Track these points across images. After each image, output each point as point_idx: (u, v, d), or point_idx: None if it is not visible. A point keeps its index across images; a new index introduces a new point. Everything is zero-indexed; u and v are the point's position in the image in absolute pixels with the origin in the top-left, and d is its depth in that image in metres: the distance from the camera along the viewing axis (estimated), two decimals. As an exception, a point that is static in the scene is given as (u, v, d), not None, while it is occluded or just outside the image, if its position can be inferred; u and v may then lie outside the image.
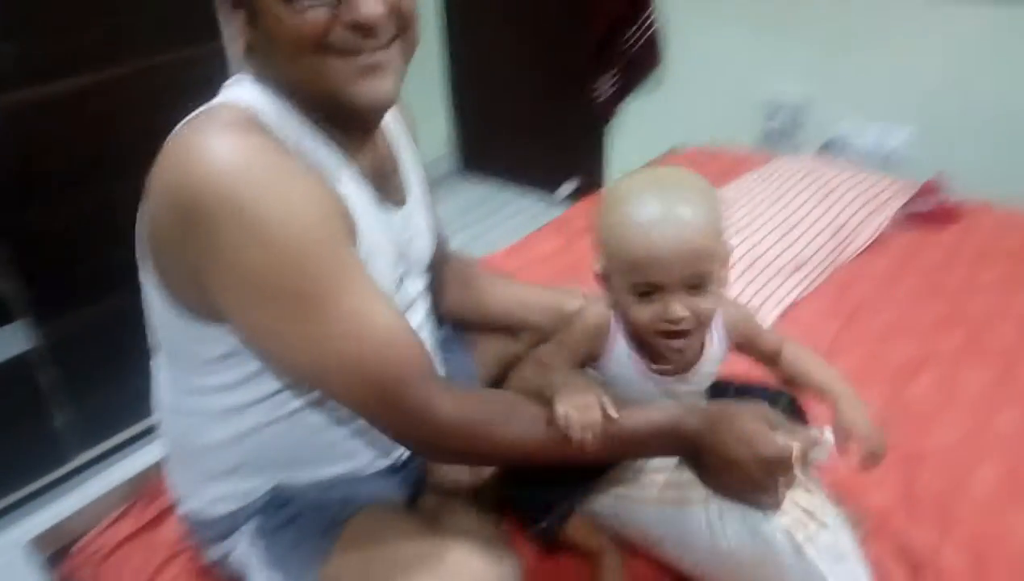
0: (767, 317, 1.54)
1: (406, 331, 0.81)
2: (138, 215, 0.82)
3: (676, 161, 2.33)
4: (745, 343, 1.00)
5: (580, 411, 0.82)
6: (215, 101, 0.83)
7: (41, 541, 1.12)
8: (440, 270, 1.19)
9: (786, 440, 0.82)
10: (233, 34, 0.81)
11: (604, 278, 0.91)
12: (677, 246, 0.82)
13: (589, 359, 0.96)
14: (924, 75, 2.17)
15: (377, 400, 0.79)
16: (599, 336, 0.94)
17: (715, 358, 0.97)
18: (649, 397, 0.95)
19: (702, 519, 0.92)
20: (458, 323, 1.24)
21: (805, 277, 1.64)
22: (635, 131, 2.82)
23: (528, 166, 3.18)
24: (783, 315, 1.56)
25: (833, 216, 1.78)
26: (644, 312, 0.86)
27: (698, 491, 0.91)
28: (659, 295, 0.85)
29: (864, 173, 1.96)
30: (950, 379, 1.36)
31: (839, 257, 1.73)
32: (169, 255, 0.80)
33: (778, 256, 1.65)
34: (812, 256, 1.68)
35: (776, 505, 0.88)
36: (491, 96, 3.20)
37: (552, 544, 1.01)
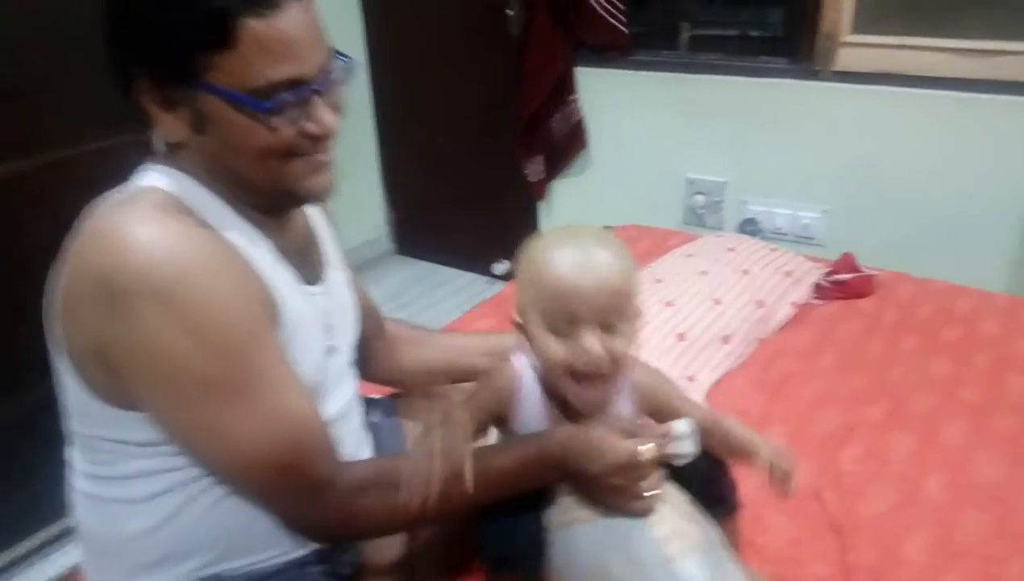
0: (700, 387, 1.57)
1: (313, 415, 0.86)
2: (49, 297, 0.80)
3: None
4: (656, 412, 1.00)
5: (439, 440, 0.86)
6: (131, 185, 0.83)
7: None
8: (375, 342, 1.19)
9: (632, 443, 0.86)
10: (162, 128, 0.81)
11: (521, 324, 0.93)
12: (596, 281, 0.86)
13: (497, 419, 0.98)
14: (835, 157, 2.32)
15: (284, 478, 0.83)
16: (509, 394, 0.96)
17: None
18: None
19: (582, 538, 0.92)
20: (400, 386, 1.25)
21: (733, 349, 1.69)
22: (565, 211, 2.90)
23: (462, 246, 3.22)
24: (715, 385, 1.60)
25: (754, 291, 1.85)
26: (559, 349, 0.88)
27: (580, 511, 0.93)
28: (575, 332, 0.87)
29: (781, 250, 2.05)
30: (876, 448, 1.40)
31: (763, 330, 1.79)
32: (84, 338, 0.78)
33: (706, 329, 1.70)
34: (738, 329, 1.73)
35: (646, 509, 0.90)
36: (424, 179, 3.26)
37: None
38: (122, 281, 0.72)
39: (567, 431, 0.91)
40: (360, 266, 3.15)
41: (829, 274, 1.99)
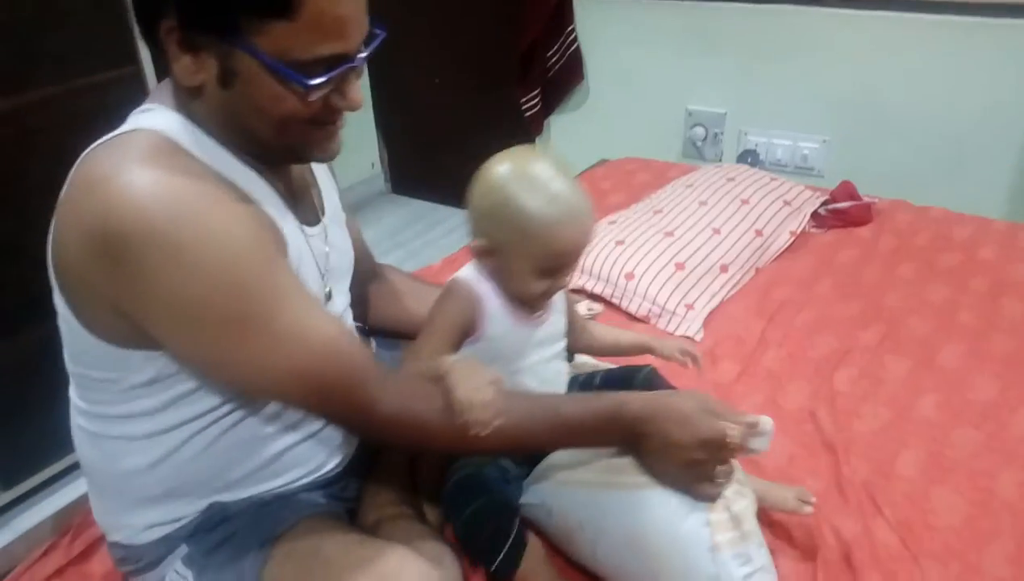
0: (698, 315, 1.59)
1: (346, 336, 0.84)
2: (49, 242, 0.79)
3: (609, 171, 2.38)
4: (570, 319, 1.13)
5: (475, 392, 0.84)
6: (127, 127, 0.80)
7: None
8: (370, 285, 1.19)
9: (724, 424, 0.86)
10: (179, 68, 0.77)
11: (489, 252, 0.96)
12: (590, 235, 0.95)
13: (467, 332, 1.00)
14: (835, 86, 2.29)
15: (326, 401, 0.83)
16: (476, 309, 0.99)
17: (559, 304, 1.09)
18: (525, 344, 1.03)
19: (626, 503, 0.93)
20: (394, 335, 1.24)
21: (731, 278, 1.70)
22: (563, 145, 2.87)
23: (458, 184, 3.16)
24: (714, 312, 1.61)
25: (752, 220, 1.84)
26: (541, 285, 0.96)
27: (632, 477, 0.94)
28: (558, 272, 0.96)
29: (780, 180, 2.04)
30: (871, 370, 1.42)
31: (761, 258, 1.79)
32: (87, 287, 0.77)
33: (705, 257, 1.70)
34: (736, 257, 1.74)
35: (714, 495, 0.90)
36: (419, 116, 3.21)
37: None
38: (120, 231, 0.70)
39: (652, 397, 0.92)
40: (355, 206, 3.12)
41: (828, 203, 1.99)
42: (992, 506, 1.11)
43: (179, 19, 0.73)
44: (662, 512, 0.91)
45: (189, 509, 0.91)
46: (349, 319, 1.06)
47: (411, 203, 3.31)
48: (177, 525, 0.91)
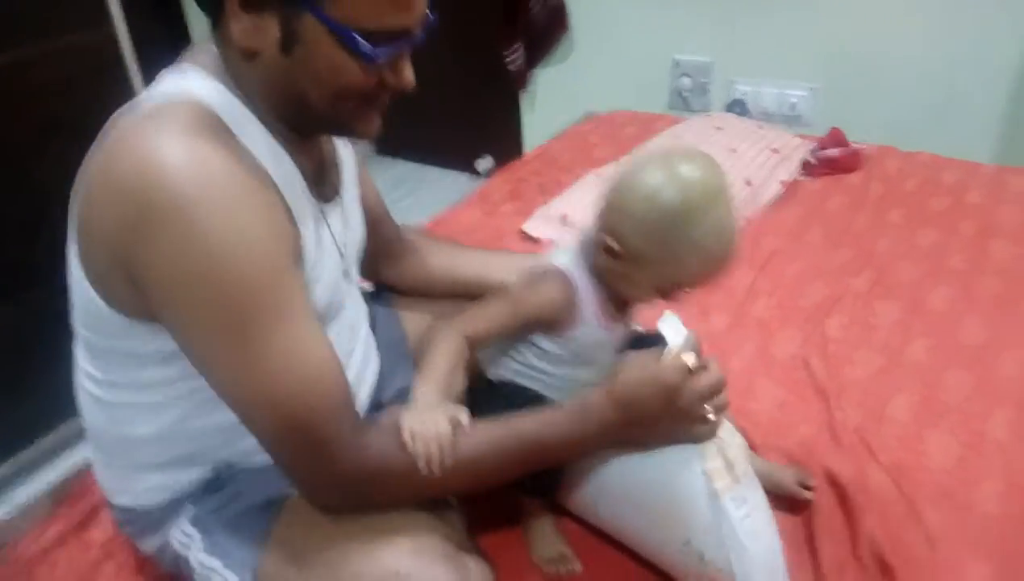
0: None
1: (332, 368, 0.79)
2: (74, 203, 0.76)
3: (596, 125, 2.35)
4: None
5: (425, 425, 0.80)
6: (168, 89, 0.77)
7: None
8: (393, 247, 1.17)
9: (669, 360, 0.85)
10: (239, 30, 0.74)
11: (618, 256, 0.88)
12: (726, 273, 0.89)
13: (539, 326, 0.94)
14: (822, 33, 2.25)
15: (285, 434, 0.78)
16: (568, 305, 0.92)
17: None
18: (602, 348, 0.97)
19: (623, 462, 0.94)
20: (425, 294, 1.23)
21: (722, 230, 1.70)
22: (548, 101, 2.83)
23: (443, 144, 3.15)
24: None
25: (742, 169, 1.83)
26: (651, 297, 0.92)
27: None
28: (683, 293, 0.91)
29: (769, 128, 2.03)
30: (862, 316, 1.43)
31: (751, 208, 1.79)
32: (106, 251, 0.75)
33: (695, 211, 1.69)
34: (727, 209, 1.73)
35: (713, 430, 0.90)
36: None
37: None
38: (149, 204, 0.69)
39: (603, 391, 0.87)
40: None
41: (817, 150, 1.98)
42: (983, 447, 1.12)
43: None
44: (658, 467, 0.92)
45: (196, 473, 0.91)
46: (357, 291, 1.04)
47: (396, 164, 3.27)
48: (180, 490, 0.91)
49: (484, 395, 1.01)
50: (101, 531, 1.06)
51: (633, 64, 2.59)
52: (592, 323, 0.94)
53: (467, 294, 1.22)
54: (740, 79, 2.43)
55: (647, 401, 0.86)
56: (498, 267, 1.19)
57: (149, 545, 0.95)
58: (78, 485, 1.12)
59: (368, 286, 1.29)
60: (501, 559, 0.95)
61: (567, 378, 0.98)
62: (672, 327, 0.89)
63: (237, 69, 0.78)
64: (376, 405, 1.07)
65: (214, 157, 0.71)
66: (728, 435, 0.93)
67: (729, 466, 0.90)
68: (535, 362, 0.98)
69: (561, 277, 0.93)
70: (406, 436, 0.79)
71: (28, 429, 1.71)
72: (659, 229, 0.84)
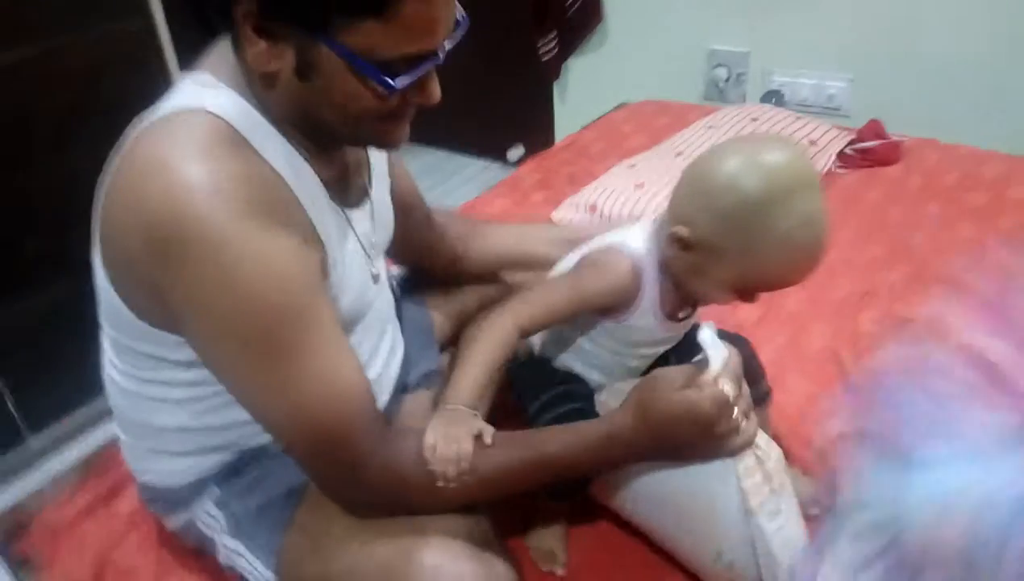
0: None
1: (364, 388, 0.80)
2: (96, 210, 0.76)
3: (629, 114, 2.33)
4: None
5: (446, 441, 0.79)
6: (187, 102, 0.75)
7: (-7, 523, 1.09)
8: (426, 234, 1.17)
9: (708, 391, 0.79)
10: (254, 55, 0.72)
11: (691, 246, 0.82)
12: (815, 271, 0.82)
13: (599, 309, 0.91)
14: (861, 22, 2.20)
15: (313, 450, 0.79)
16: (631, 290, 0.88)
17: None
18: (657, 339, 0.94)
19: (656, 466, 0.90)
20: (461, 278, 1.22)
21: (754, 221, 1.67)
22: (580, 91, 2.81)
23: (475, 132, 3.15)
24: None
25: (778, 161, 1.80)
26: (726, 298, 0.86)
27: None
28: (759, 294, 0.84)
29: (806, 119, 1.99)
30: (895, 311, 1.40)
31: (786, 201, 1.76)
32: (130, 267, 0.75)
33: (727, 201, 1.67)
34: (760, 200, 1.71)
35: (746, 442, 0.85)
36: (435, 62, 3.15)
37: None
38: (175, 230, 0.68)
39: (636, 407, 0.83)
40: (373, 155, 3.12)
41: (854, 142, 1.94)
42: None
43: (260, 4, 0.69)
44: (694, 476, 0.88)
45: (220, 458, 0.91)
46: (385, 284, 1.04)
47: (427, 152, 3.28)
48: (206, 472, 0.91)
49: (525, 368, 1.00)
50: (128, 503, 1.08)
51: (668, 54, 2.56)
52: (649, 314, 0.89)
53: (504, 268, 1.22)
54: (777, 69, 2.39)
55: (681, 430, 0.81)
56: (536, 239, 1.17)
57: (174, 522, 0.97)
58: (108, 457, 1.15)
59: (396, 270, 1.29)
60: (525, 558, 0.96)
61: (611, 361, 0.96)
62: (712, 343, 0.83)
63: (256, 87, 0.76)
64: (401, 387, 1.08)
65: (238, 183, 0.70)
66: (766, 444, 0.89)
67: (767, 478, 0.86)
68: (581, 342, 0.95)
69: (629, 260, 0.87)
70: (427, 453, 0.79)
71: (63, 402, 1.76)
72: (739, 217, 0.77)
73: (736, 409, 0.81)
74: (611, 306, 0.89)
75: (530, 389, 0.98)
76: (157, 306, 0.76)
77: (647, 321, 0.90)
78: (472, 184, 2.92)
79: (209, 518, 0.92)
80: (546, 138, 2.92)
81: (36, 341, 1.68)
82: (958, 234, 1.61)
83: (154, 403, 0.87)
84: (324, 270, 0.80)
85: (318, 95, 0.74)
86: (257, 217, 0.71)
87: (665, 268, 0.87)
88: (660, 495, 0.92)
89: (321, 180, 0.83)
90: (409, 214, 1.10)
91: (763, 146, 0.80)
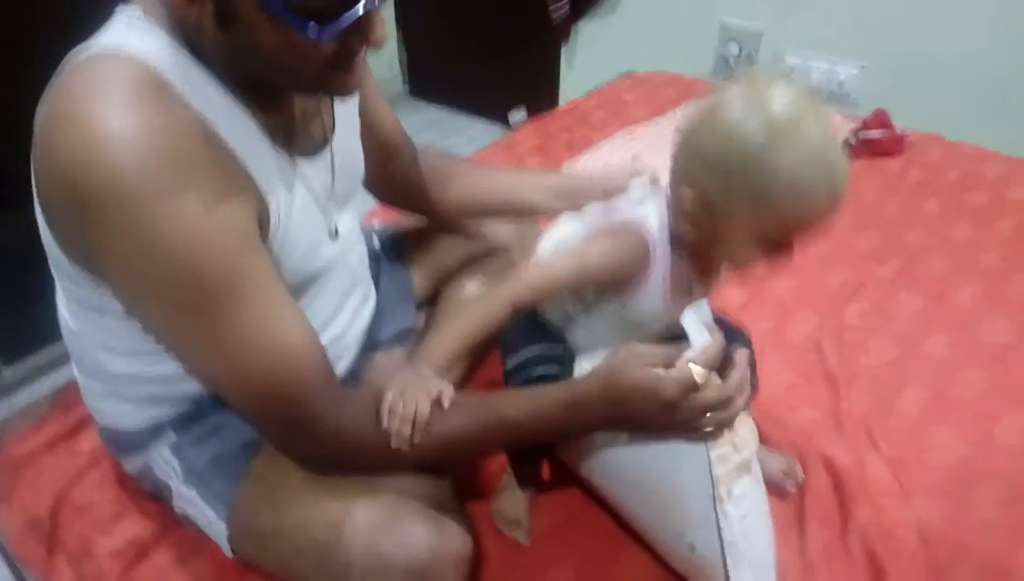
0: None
1: (308, 345, 0.77)
2: (32, 149, 0.70)
3: (634, 83, 2.29)
4: None
5: (405, 402, 0.78)
6: (112, 43, 0.69)
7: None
8: (411, 174, 1.12)
9: (677, 373, 0.77)
10: None
11: (703, 209, 0.77)
12: (840, 207, 0.74)
13: (605, 285, 0.87)
14: (878, 9, 2.16)
15: (270, 412, 0.77)
16: (639, 266, 0.83)
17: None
18: (657, 318, 0.88)
19: (630, 450, 0.89)
20: (444, 219, 1.19)
21: (749, 203, 1.65)
22: (588, 55, 2.76)
23: (478, 91, 3.10)
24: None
25: (780, 144, 1.77)
26: (752, 257, 0.78)
27: None
28: (783, 247, 0.77)
29: (813, 103, 1.95)
30: (883, 305, 1.38)
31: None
32: (59, 220, 0.72)
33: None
34: (757, 183, 1.68)
35: (714, 434, 0.82)
36: (441, 15, 3.08)
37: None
38: (89, 189, 0.64)
39: (601, 379, 0.80)
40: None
41: (859, 130, 1.90)
42: (989, 448, 1.09)
43: None
44: (662, 454, 0.86)
45: (174, 407, 0.89)
46: (355, 232, 1.00)
47: (428, 108, 3.23)
48: (162, 418, 0.89)
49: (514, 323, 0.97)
50: (89, 441, 1.06)
51: (680, 25, 2.50)
52: (655, 293, 0.84)
53: (493, 214, 1.18)
54: (789, 50, 2.34)
55: (640, 407, 0.79)
56: (530, 187, 1.12)
57: (131, 465, 0.95)
58: (75, 393, 1.12)
59: (378, 224, 1.27)
60: (489, 524, 0.96)
61: (603, 335, 0.92)
62: (694, 327, 0.81)
63: (185, 29, 0.70)
64: (373, 344, 1.06)
65: (155, 135, 0.65)
66: (746, 434, 0.86)
67: (740, 467, 0.84)
68: (577, 314, 0.92)
69: (641, 237, 0.82)
70: (384, 411, 0.78)
71: (40, 334, 1.74)
72: (742, 167, 0.72)
73: (702, 396, 0.79)
74: (615, 283, 0.85)
75: (511, 342, 0.95)
76: (85, 257, 0.73)
77: (651, 301, 0.85)
78: (472, 145, 2.88)
79: (164, 464, 0.90)
80: (550, 103, 2.87)
81: (12, 271, 1.65)
82: (955, 233, 1.59)
83: (100, 350, 0.84)
84: (262, 224, 0.76)
85: (243, 45, 0.68)
86: (176, 172, 0.66)
87: (680, 244, 0.82)
88: (627, 468, 0.91)
89: (265, 129, 0.77)
90: (394, 155, 1.06)
91: (756, 86, 0.73)
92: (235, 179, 0.73)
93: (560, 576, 0.94)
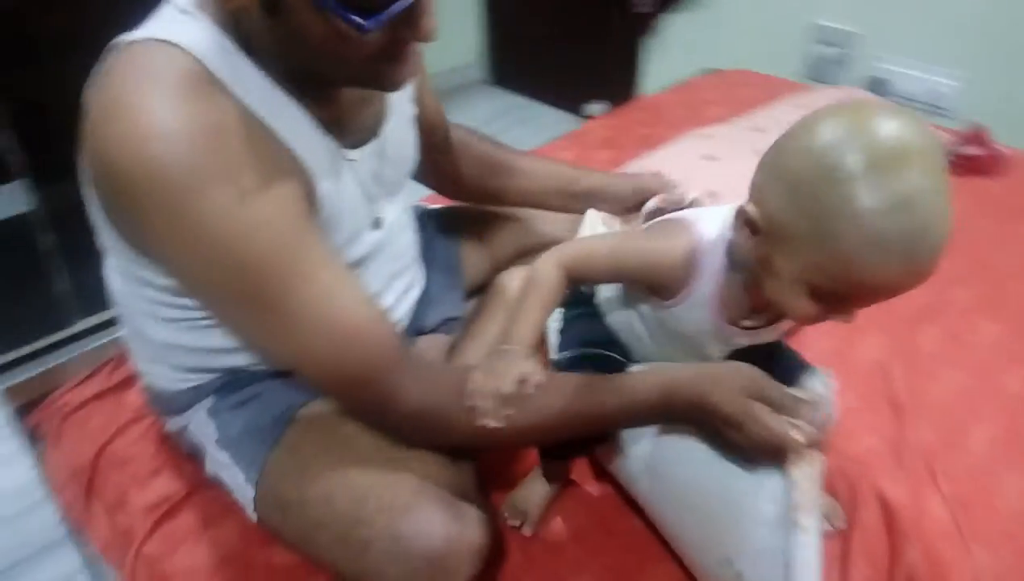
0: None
1: (373, 323, 0.77)
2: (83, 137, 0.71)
3: (715, 81, 2.21)
4: None
5: (493, 379, 0.76)
6: (160, 32, 0.69)
7: (12, 393, 1.12)
8: (442, 152, 1.12)
9: (784, 425, 0.73)
10: None
11: (759, 231, 0.69)
12: (925, 277, 0.63)
13: (647, 287, 0.83)
14: (982, 19, 2.02)
15: (347, 391, 0.78)
16: (684, 274, 0.77)
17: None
18: (706, 339, 0.84)
19: (688, 449, 0.84)
20: (477, 201, 1.20)
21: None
22: (672, 51, 2.68)
23: (556, 81, 3.06)
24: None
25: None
26: (808, 308, 0.68)
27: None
28: (843, 308, 0.68)
29: (906, 113, 1.84)
30: (959, 331, 1.29)
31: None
32: (112, 204, 0.72)
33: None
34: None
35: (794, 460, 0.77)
36: (525, 5, 3.05)
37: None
38: (137, 183, 0.65)
39: (699, 393, 0.78)
40: (448, 93, 3.05)
41: (954, 146, 1.79)
42: (1066, 499, 1.00)
43: None
44: (727, 476, 0.81)
45: (215, 375, 0.90)
46: (405, 218, 1.00)
47: (504, 95, 3.21)
48: (202, 382, 0.91)
49: (575, 310, 0.94)
50: (137, 397, 1.09)
51: (769, 23, 2.41)
52: (700, 309, 0.78)
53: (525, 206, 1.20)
54: (885, 56, 2.22)
55: (725, 432, 0.78)
56: (559, 194, 1.14)
57: (170, 425, 0.97)
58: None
59: (431, 207, 1.26)
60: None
61: (653, 347, 0.88)
62: (821, 394, 0.78)
63: (233, 18, 0.70)
64: (418, 330, 1.05)
65: (202, 129, 0.65)
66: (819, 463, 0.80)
67: (816, 495, 0.77)
68: (631, 313, 0.88)
69: (689, 241, 0.76)
70: (471, 386, 0.76)
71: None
72: (814, 187, 0.62)
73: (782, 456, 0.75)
74: (659, 283, 0.80)
75: (567, 336, 0.93)
76: (136, 241, 0.74)
77: (696, 315, 0.79)
78: (542, 135, 2.84)
79: (201, 426, 0.91)
80: (628, 97, 2.82)
81: (84, 226, 1.72)
82: (1049, 262, 1.47)
83: (147, 318, 0.85)
84: (311, 204, 0.76)
85: (290, 35, 0.67)
86: (221, 165, 0.66)
87: (735, 261, 0.75)
88: (680, 480, 0.86)
89: (314, 118, 0.77)
90: (430, 134, 1.05)
91: (865, 108, 0.63)
92: (283, 167, 0.73)
93: (579, 582, 0.91)
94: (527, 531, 0.95)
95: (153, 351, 0.90)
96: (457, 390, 0.78)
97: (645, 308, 0.86)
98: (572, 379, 0.83)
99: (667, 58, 2.70)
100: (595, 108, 2.90)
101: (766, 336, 0.85)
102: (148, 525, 0.94)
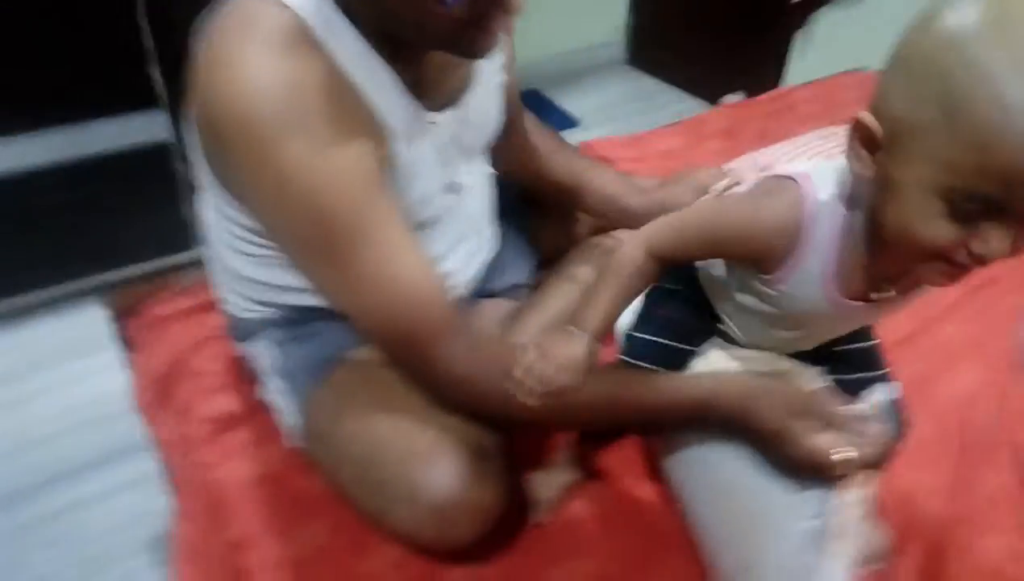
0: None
1: (430, 287, 0.80)
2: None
3: (859, 81, 2.07)
4: None
5: (542, 361, 0.76)
6: None
7: (112, 299, 1.23)
8: (522, 137, 1.13)
9: (827, 445, 0.71)
10: None
11: (879, 143, 0.59)
12: None
13: (745, 259, 0.74)
14: None
15: (396, 350, 0.82)
16: (791, 239, 0.67)
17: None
18: (824, 317, 0.75)
19: (737, 458, 0.81)
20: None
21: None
22: (825, 47, 2.53)
23: (697, 68, 2.96)
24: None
25: None
26: (945, 231, 0.56)
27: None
28: (984, 220, 0.55)
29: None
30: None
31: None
32: (208, 145, 0.79)
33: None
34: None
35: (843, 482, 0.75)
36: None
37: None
38: (229, 131, 0.71)
39: (743, 407, 0.78)
40: (584, 70, 3.02)
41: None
42: None
43: None
44: (772, 487, 0.78)
45: (283, 311, 0.96)
46: (481, 183, 1.02)
47: (642, 79, 3.14)
48: (269, 314, 0.97)
49: (660, 295, 0.90)
50: (217, 318, 1.16)
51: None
52: (813, 283, 0.68)
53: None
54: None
55: (767, 447, 0.78)
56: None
57: (240, 350, 1.04)
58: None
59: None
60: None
61: (759, 328, 0.81)
62: (881, 413, 0.74)
63: None
64: (485, 292, 1.07)
65: (292, 84, 0.70)
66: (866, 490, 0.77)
67: (856, 523, 0.74)
68: (734, 289, 0.80)
69: (795, 195, 0.66)
70: (520, 361, 0.77)
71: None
72: (934, 63, 0.54)
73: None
74: (753, 257, 0.71)
75: (651, 315, 0.89)
76: (226, 183, 0.81)
77: (808, 291, 0.69)
78: (663, 120, 2.77)
79: (265, 353, 0.98)
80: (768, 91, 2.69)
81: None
82: None
83: (230, 251, 0.92)
84: (385, 162, 0.80)
85: (394, 3, 0.71)
86: (306, 120, 0.71)
87: (854, 199, 0.64)
88: (722, 474, 0.84)
89: (399, 79, 0.80)
90: (511, 123, 1.05)
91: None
92: (361, 126, 0.77)
93: (579, 567, 0.90)
94: (538, 519, 0.94)
95: (231, 280, 0.97)
96: (503, 365, 0.79)
97: (756, 288, 0.76)
98: (616, 372, 0.85)
99: (819, 55, 2.55)
100: (732, 99, 2.78)
101: (895, 308, 0.74)
102: (204, 434, 1.02)
